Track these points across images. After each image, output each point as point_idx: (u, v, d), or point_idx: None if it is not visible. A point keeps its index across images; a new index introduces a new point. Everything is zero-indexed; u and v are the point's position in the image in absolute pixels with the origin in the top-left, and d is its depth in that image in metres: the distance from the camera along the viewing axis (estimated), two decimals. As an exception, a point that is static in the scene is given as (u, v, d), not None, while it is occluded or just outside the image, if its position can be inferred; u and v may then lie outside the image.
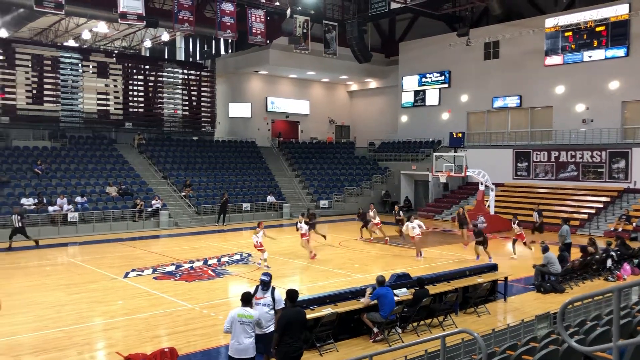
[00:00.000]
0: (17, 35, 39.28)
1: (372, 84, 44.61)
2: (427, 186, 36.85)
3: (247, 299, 8.33)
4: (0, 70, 33.16)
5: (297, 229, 20.47)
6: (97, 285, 15.84)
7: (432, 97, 39.03)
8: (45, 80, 34.79)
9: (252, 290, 9.02)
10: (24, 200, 26.34)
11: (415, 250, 20.54)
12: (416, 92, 39.98)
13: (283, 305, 8.73)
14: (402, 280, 12.82)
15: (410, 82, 40.27)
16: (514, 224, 21.10)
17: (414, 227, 20.16)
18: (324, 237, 22.95)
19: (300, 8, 33.61)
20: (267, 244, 18.77)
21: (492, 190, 28.60)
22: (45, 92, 34.74)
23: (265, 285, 9.08)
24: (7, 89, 33.32)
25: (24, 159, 30.35)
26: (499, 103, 35.34)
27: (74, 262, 19.83)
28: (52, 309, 13.30)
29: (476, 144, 35.79)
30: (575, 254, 17.74)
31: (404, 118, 41.04)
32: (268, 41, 33.74)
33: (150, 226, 28.61)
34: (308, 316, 9.58)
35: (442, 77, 38.35)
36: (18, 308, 13.33)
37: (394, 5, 33.14)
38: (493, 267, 15.08)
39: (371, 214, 23.85)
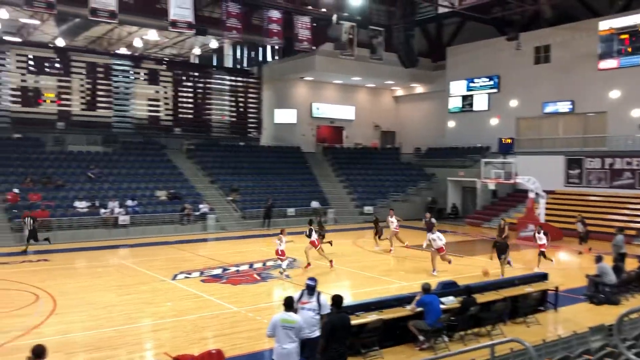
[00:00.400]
0: (72, 44, 40.80)
1: (419, 89, 44.21)
2: (474, 193, 36.18)
3: (289, 304, 8.31)
4: (56, 78, 34.55)
5: (308, 237, 19.51)
6: (147, 287, 16.22)
7: (480, 102, 38.37)
8: (98, 87, 36.04)
9: (297, 295, 9.02)
10: (77, 204, 27.26)
11: (432, 263, 18.45)
12: (464, 97, 39.40)
13: (329, 311, 8.70)
14: (449, 288, 12.61)
15: (458, 87, 39.72)
16: (538, 233, 19.98)
17: (434, 239, 18.35)
18: (330, 243, 22.32)
19: (346, 14, 33.66)
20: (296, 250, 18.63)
21: (542, 198, 27.84)
22: (98, 99, 35.98)
23: (310, 289, 9.07)
24: (63, 96, 34.65)
25: (78, 163, 31.42)
26: (550, 108, 34.42)
27: (125, 264, 20.38)
28: (104, 309, 13.69)
29: (526, 150, 34.91)
30: (631, 265, 17.04)
31: (451, 123, 40.48)
32: (314, 47, 33.93)
33: (198, 230, 29.12)
34: (353, 322, 9.52)
35: (491, 82, 37.66)
36: (72, 307, 13.78)
37: (441, 10, 32.81)
38: (543, 277, 14.64)
39: (390, 219, 23.19)
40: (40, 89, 34.40)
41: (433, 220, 24.36)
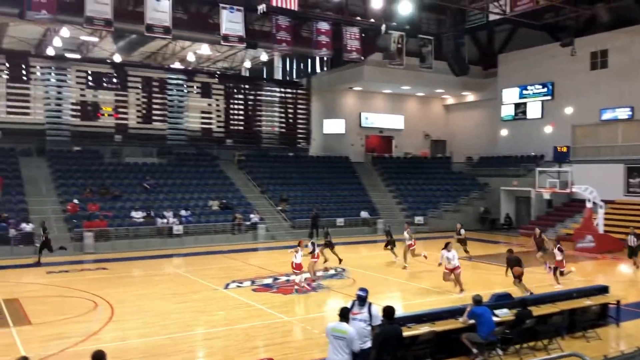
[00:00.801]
0: (129, 60, 42.28)
1: (470, 97, 43.55)
2: (529, 203, 35.21)
3: (344, 314, 8.31)
4: (114, 92, 35.91)
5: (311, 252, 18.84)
6: (200, 296, 16.53)
7: (534, 109, 37.43)
8: (153, 100, 37.21)
9: (348, 306, 9.00)
10: (133, 214, 28.11)
11: (455, 284, 16.79)
12: (517, 105, 38.53)
13: (380, 322, 8.65)
14: (503, 300, 12.29)
15: (511, 95, 38.89)
16: (554, 248, 18.35)
17: (448, 257, 16.60)
18: (340, 260, 21.56)
19: (395, 24, 33.56)
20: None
21: (600, 208, 26.84)
22: (153, 112, 37.13)
23: (361, 300, 9.03)
24: (120, 110, 35.95)
25: (134, 174, 32.44)
26: (608, 115, 33.23)
27: (179, 273, 20.84)
28: (159, 316, 14.03)
29: (582, 158, 33.76)
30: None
31: (503, 132, 39.64)
32: (363, 58, 33.96)
33: (249, 239, 29.50)
34: (404, 334, 9.42)
35: (545, 89, 36.70)
36: (129, 315, 14.19)
37: (492, 17, 32.17)
38: (603, 290, 14.08)
39: (405, 234, 21.90)
40: (99, 103, 35.81)
41: (462, 231, 23.37)
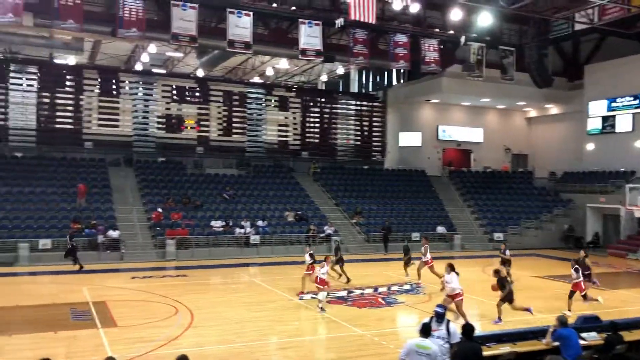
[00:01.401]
0: (211, 74, 43.86)
1: (553, 109, 41.83)
2: (618, 221, 33.23)
3: (426, 330, 8.20)
4: (196, 106, 37.38)
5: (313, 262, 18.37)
6: (276, 305, 16.74)
7: (623, 122, 35.40)
8: (234, 113, 38.40)
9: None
10: (213, 223, 28.97)
11: (459, 315, 14.10)
12: (604, 118, 36.61)
13: (459, 340, 8.42)
14: (590, 323, 11.62)
15: (598, 107, 37.01)
16: (571, 267, 16.27)
17: (448, 282, 14.59)
18: (348, 279, 20.44)
19: (474, 35, 32.92)
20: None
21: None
22: (233, 125, 38.30)
23: (439, 317, 8.84)
24: (202, 122, 37.34)
25: (215, 185, 33.48)
26: None
27: (255, 282, 21.23)
28: (236, 324, 14.32)
29: (679, 174, 31.56)
30: None
31: (590, 146, 37.74)
32: (441, 69, 33.52)
33: (323, 251, 29.42)
34: (484, 353, 9.09)
35: (636, 101, 34.66)
36: (207, 321, 14.57)
37: (578, 27, 30.90)
38: None
39: (422, 250, 20.69)
40: (183, 116, 37.39)
41: (507, 252, 20.62)
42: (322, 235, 30.14)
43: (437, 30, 33.03)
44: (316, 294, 16.30)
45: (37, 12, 26.36)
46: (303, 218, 31.43)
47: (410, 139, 41.67)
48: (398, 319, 15.75)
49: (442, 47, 32.67)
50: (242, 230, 28.76)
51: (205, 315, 15.21)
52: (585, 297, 16.16)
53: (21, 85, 33.22)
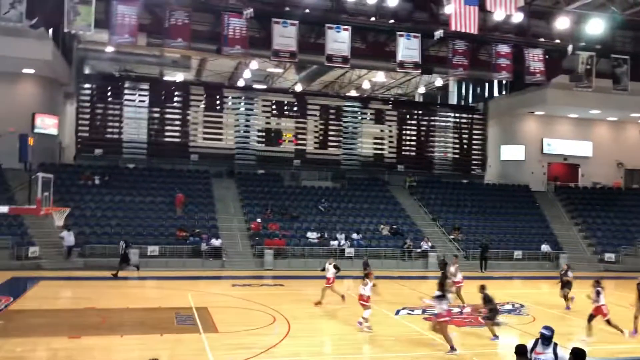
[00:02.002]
0: (308, 89, 44.78)
1: (673, 121, 38.65)
2: None
3: (521, 352, 7.80)
4: (295, 120, 38.24)
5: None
6: (372, 320, 16.54)
7: None
8: (330, 127, 38.87)
9: (530, 344, 8.37)
10: (309, 234, 29.36)
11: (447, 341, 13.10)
12: None
13: (568, 365, 7.86)
14: None
15: None
16: (594, 287, 14.70)
17: (438, 302, 13.45)
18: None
19: (583, 43, 31.23)
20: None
21: None
22: (329, 138, 38.75)
23: (546, 340, 8.32)
24: (299, 136, 38.13)
25: (311, 197, 33.96)
26: None
27: (350, 295, 21.14)
28: (332, 336, 14.36)
29: None
30: None
31: None
32: (546, 80, 32.06)
33: (419, 266, 29.07)
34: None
35: None
36: (303, 332, 14.70)
37: None
38: None
39: (452, 269, 19.32)
40: (281, 130, 38.40)
41: (570, 273, 18.98)
42: (419, 250, 29.59)
43: (542, 39, 31.68)
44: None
45: (149, 32, 28.30)
46: (398, 232, 31.05)
47: (512, 152, 40.07)
48: (498, 340, 15.03)
49: (547, 56, 31.28)
50: (337, 243, 28.88)
51: (302, 325, 15.35)
52: (609, 323, 14.65)
53: (134, 101, 35.62)
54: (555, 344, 8.36)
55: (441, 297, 13.56)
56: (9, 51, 26.32)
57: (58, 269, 23.97)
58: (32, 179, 18.06)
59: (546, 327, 8.52)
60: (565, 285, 18.89)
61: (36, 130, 29.73)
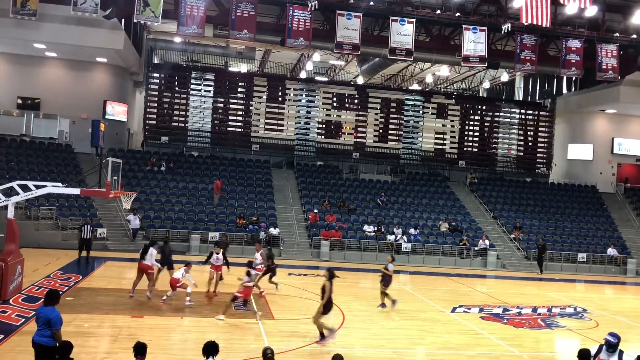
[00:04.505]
0: (370, 82, 44.57)
1: None
2: None
3: (585, 357, 7.63)
4: (355, 113, 38.16)
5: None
6: (426, 315, 16.47)
7: None
8: (390, 120, 38.57)
9: (593, 350, 8.14)
10: (365, 227, 29.33)
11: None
12: None
13: (634, 373, 7.59)
14: None
15: None
16: None
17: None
18: (276, 285, 18.26)
19: (662, 38, 29.66)
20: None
21: None
22: (389, 132, 38.47)
23: (611, 347, 8.09)
24: (359, 129, 38.05)
25: (369, 190, 33.88)
26: None
27: (406, 290, 21.07)
28: (386, 330, 14.34)
29: None
30: None
31: None
32: (619, 77, 30.65)
33: (477, 265, 28.55)
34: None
35: None
36: (357, 323, 14.78)
37: None
38: None
39: (256, 255, 17.73)
40: (341, 122, 38.44)
41: None
42: (477, 248, 29.04)
43: (616, 34, 30.28)
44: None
45: (216, 24, 28.92)
46: (457, 229, 30.55)
47: (580, 151, 38.58)
48: (557, 343, 14.65)
49: (621, 52, 29.90)
50: (394, 237, 28.73)
51: (356, 317, 15.43)
52: None
53: (199, 91, 36.52)
54: (621, 352, 8.12)
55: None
56: (84, 41, 27.57)
57: (123, 250, 24.97)
58: (102, 163, 18.84)
59: (612, 334, 8.26)
60: None
61: (107, 117, 31.03)
